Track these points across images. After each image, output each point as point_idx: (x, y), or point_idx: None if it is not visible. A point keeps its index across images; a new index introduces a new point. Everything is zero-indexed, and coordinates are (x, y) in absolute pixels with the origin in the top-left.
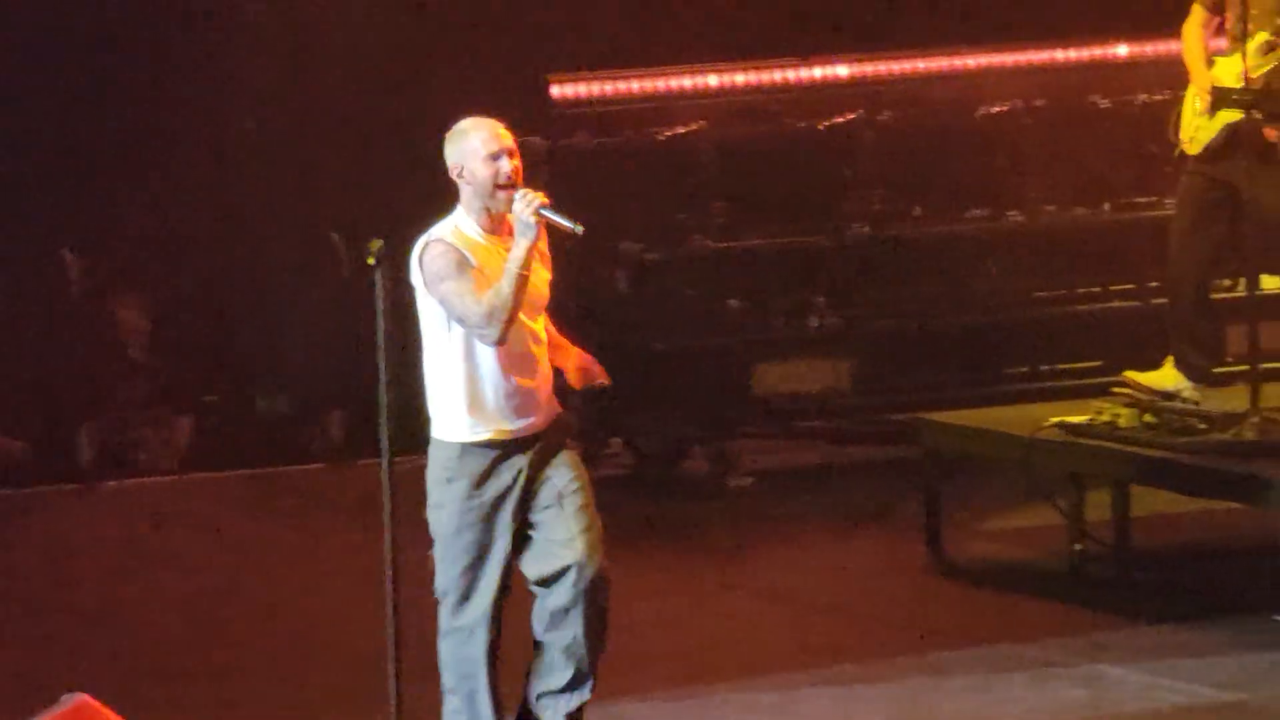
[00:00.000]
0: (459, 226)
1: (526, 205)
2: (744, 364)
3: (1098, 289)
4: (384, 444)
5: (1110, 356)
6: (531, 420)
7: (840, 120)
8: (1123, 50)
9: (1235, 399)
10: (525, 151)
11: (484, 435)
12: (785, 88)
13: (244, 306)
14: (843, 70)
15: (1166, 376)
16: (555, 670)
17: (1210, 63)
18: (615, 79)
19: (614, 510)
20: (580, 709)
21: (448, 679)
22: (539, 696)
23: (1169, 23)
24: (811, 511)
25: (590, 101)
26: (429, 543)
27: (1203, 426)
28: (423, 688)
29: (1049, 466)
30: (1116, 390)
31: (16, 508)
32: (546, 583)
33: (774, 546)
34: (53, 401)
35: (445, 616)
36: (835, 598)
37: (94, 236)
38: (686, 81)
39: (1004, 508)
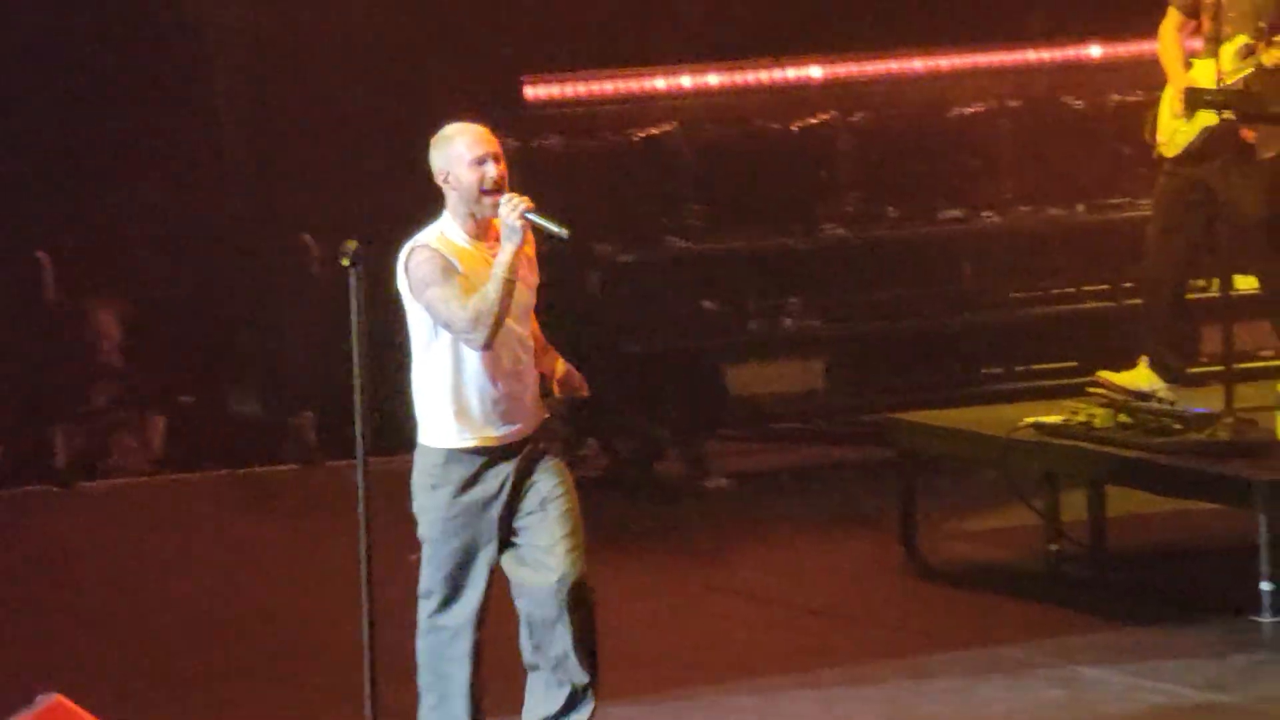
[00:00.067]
0: (444, 233)
1: (512, 209)
2: (719, 365)
3: (1072, 290)
4: (359, 445)
5: (1085, 357)
6: (518, 426)
7: (814, 121)
8: (1096, 51)
9: (1210, 399)
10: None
11: (470, 442)
12: (759, 89)
13: (217, 307)
14: (816, 71)
15: (1141, 377)
16: (551, 696)
17: (1188, 65)
18: (589, 80)
19: (590, 513)
20: None
21: (425, 677)
22: None
23: (1141, 23)
24: (788, 513)
25: (563, 102)
26: (405, 543)
27: (1178, 427)
28: (401, 685)
29: (1024, 467)
30: (1091, 391)
31: None
32: (530, 590)
33: (751, 548)
34: (27, 403)
35: (426, 616)
36: (813, 600)
37: (68, 238)
38: (660, 82)
39: (980, 508)
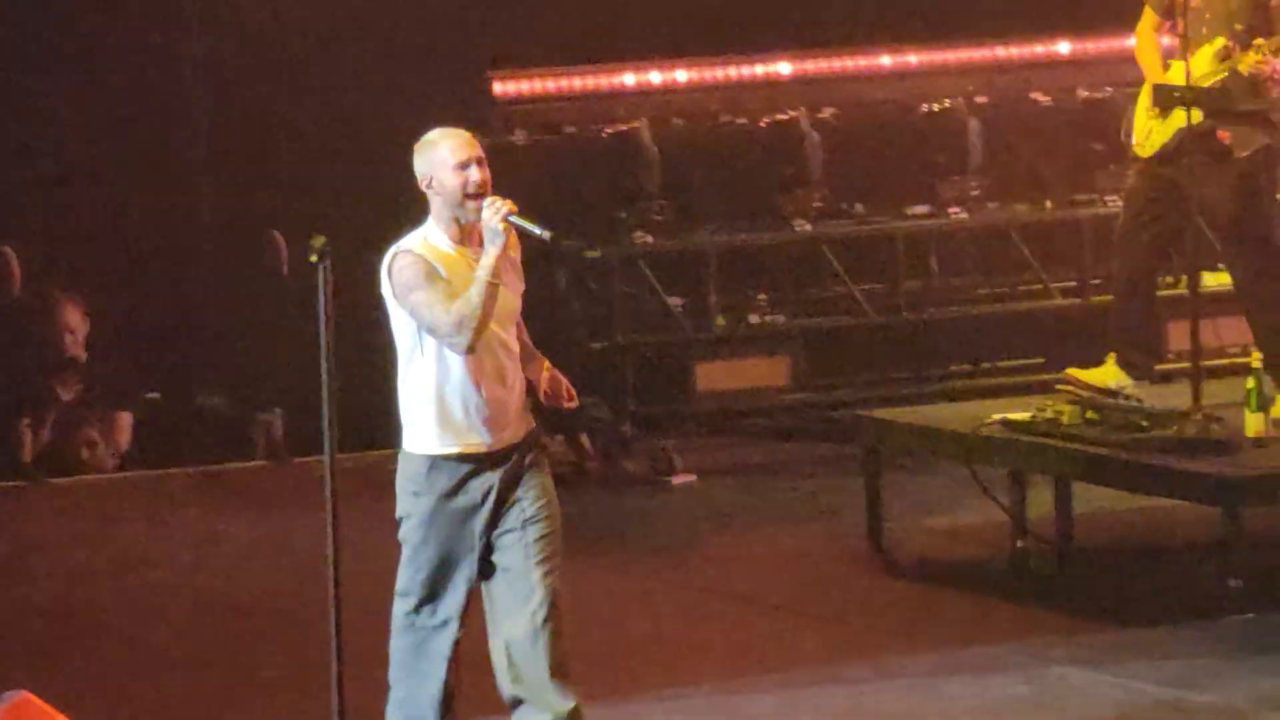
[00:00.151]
0: (428, 238)
1: (494, 213)
2: (686, 361)
3: (1039, 286)
4: (327, 442)
5: (1052, 354)
6: (503, 433)
7: (782, 117)
8: (1064, 48)
9: (1177, 396)
10: None
11: (453, 449)
12: (727, 85)
13: (185, 303)
14: (785, 67)
15: (1108, 374)
16: None
17: (1166, 65)
18: (557, 75)
19: None
20: None
21: (395, 672)
22: None
23: (1111, 20)
24: (754, 509)
25: (532, 98)
26: (375, 538)
27: (1145, 424)
28: (368, 679)
29: (991, 463)
30: (1059, 387)
31: None
32: (502, 609)
33: (717, 544)
34: None
35: (402, 614)
36: (779, 596)
37: (35, 233)
38: (629, 78)
39: (946, 505)
